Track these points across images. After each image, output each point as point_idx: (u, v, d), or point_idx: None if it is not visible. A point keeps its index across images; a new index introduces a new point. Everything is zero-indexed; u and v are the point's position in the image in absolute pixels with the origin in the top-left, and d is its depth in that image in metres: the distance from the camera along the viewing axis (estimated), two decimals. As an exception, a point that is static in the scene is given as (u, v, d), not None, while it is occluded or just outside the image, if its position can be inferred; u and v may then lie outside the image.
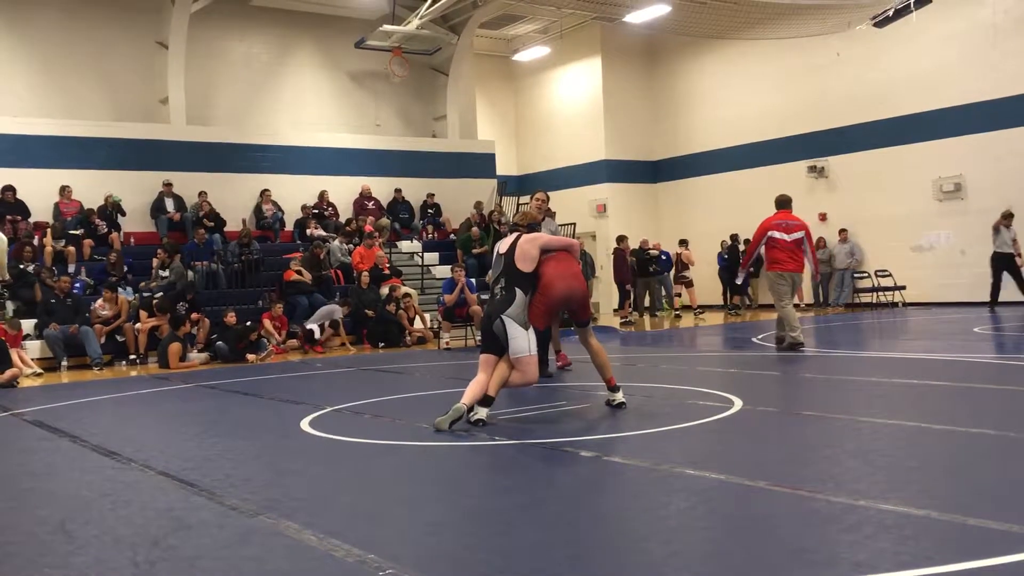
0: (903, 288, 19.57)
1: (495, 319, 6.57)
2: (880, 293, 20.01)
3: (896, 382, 8.03)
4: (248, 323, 14.14)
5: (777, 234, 11.31)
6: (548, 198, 9.65)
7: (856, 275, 20.54)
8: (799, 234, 11.35)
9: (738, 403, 6.85)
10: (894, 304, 19.74)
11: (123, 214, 17.61)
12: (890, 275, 19.76)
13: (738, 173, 23.29)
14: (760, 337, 12.99)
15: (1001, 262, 16.72)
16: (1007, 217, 16.78)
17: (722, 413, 6.50)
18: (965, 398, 7.13)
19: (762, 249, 11.48)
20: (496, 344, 6.62)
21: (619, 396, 7.00)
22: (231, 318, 14.12)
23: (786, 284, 11.25)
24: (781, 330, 11.35)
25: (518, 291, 6.62)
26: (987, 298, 16.88)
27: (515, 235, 6.86)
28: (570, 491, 4.57)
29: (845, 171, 21.26)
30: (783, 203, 11.68)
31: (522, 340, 6.54)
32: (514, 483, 4.83)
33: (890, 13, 18.29)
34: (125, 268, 16.07)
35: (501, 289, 6.69)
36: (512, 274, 6.66)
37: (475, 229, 19.83)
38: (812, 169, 21.70)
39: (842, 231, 20.77)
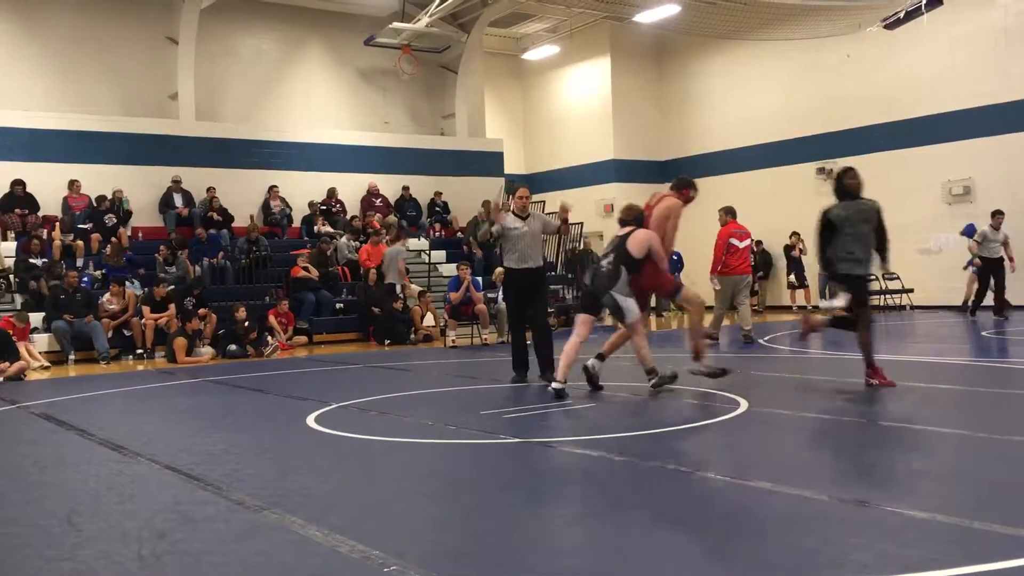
0: (911, 291, 19.51)
1: (603, 295, 7.68)
2: (887, 296, 19.96)
3: (903, 385, 8.01)
4: (247, 323, 14.13)
5: (734, 241, 12.66)
6: (529, 195, 9.25)
7: (864, 278, 20.46)
8: (748, 240, 12.99)
9: (744, 404, 6.84)
10: (901, 307, 19.70)
11: (130, 213, 17.59)
12: (898, 278, 19.68)
13: (747, 174, 23.23)
14: (766, 339, 12.97)
15: (988, 267, 15.58)
16: (996, 215, 15.60)
17: (728, 414, 6.50)
18: (972, 402, 7.12)
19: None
20: (595, 305, 7.87)
21: (591, 362, 7.90)
22: (241, 313, 14.15)
23: (729, 287, 12.63)
24: (715, 328, 12.67)
25: (623, 269, 7.66)
26: (993, 302, 15.65)
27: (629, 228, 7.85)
28: (574, 490, 4.57)
29: (854, 173, 21.17)
30: (734, 212, 13.05)
31: (633, 307, 7.67)
32: (519, 481, 4.84)
33: (901, 15, 18.22)
34: (124, 260, 16.05)
35: (608, 264, 7.73)
36: (622, 254, 7.69)
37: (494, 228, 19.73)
38: (821, 171, 21.63)
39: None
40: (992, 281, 15.49)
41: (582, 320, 8.01)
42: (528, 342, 8.99)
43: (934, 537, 3.46)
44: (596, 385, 7.90)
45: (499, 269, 9.90)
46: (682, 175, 8.98)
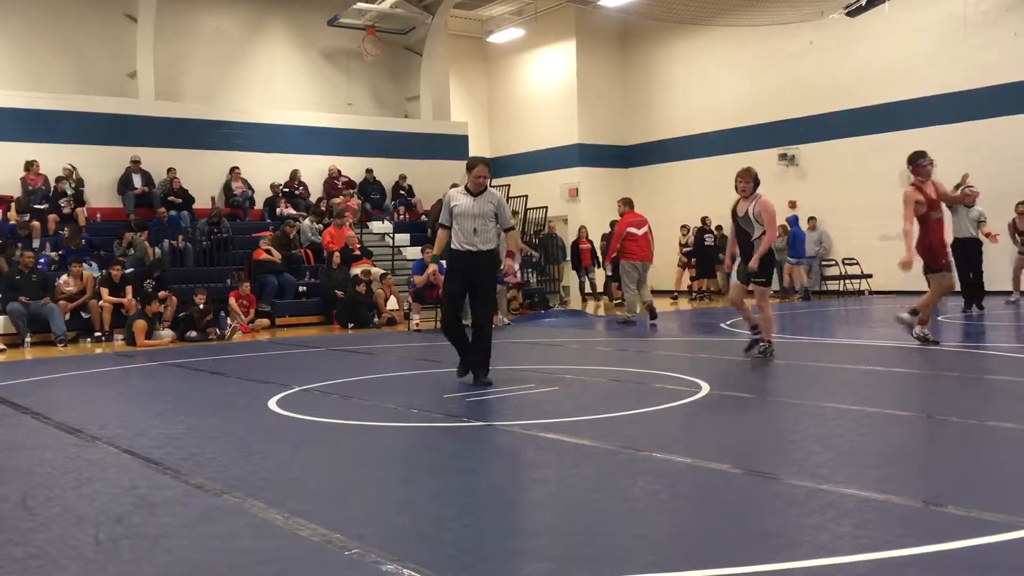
0: (870, 276, 19.77)
1: None
2: (847, 281, 20.23)
3: (860, 368, 8.13)
4: (201, 307, 13.93)
5: (632, 230, 13.76)
6: (488, 175, 7.91)
7: (824, 263, 20.73)
8: (645, 228, 13.88)
9: (705, 388, 6.90)
10: (860, 292, 19.96)
11: (81, 186, 17.25)
12: (857, 263, 19.96)
13: (709, 160, 23.36)
14: (728, 323, 13.07)
15: (962, 250, 13.29)
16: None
17: (689, 397, 6.55)
18: (928, 385, 7.23)
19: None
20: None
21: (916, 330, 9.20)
22: (200, 299, 13.98)
23: (635, 272, 13.71)
24: (630, 311, 13.95)
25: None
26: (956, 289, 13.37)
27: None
28: (536, 473, 4.58)
29: (815, 159, 21.42)
30: (631, 203, 14.31)
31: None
32: (480, 464, 4.85)
33: (863, 3, 18.41)
34: (83, 242, 15.80)
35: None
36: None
37: None
38: (783, 157, 21.83)
39: (811, 219, 20.92)
40: (970, 267, 13.53)
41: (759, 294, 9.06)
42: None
43: (890, 519, 3.51)
44: (934, 342, 9.19)
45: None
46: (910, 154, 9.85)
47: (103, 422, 6.41)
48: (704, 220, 21.42)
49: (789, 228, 19.99)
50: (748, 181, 8.72)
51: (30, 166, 16.83)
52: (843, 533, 3.31)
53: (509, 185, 22.57)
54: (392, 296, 16.29)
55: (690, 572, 2.98)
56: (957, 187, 13.50)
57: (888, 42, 19.61)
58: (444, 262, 7.93)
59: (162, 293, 14.19)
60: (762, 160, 21.98)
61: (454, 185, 9.90)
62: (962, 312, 13.41)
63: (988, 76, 18.21)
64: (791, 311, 16.58)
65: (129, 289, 14.24)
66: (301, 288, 16.62)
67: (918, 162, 9.75)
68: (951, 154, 18.70)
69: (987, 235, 13.74)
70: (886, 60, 19.73)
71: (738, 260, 9.04)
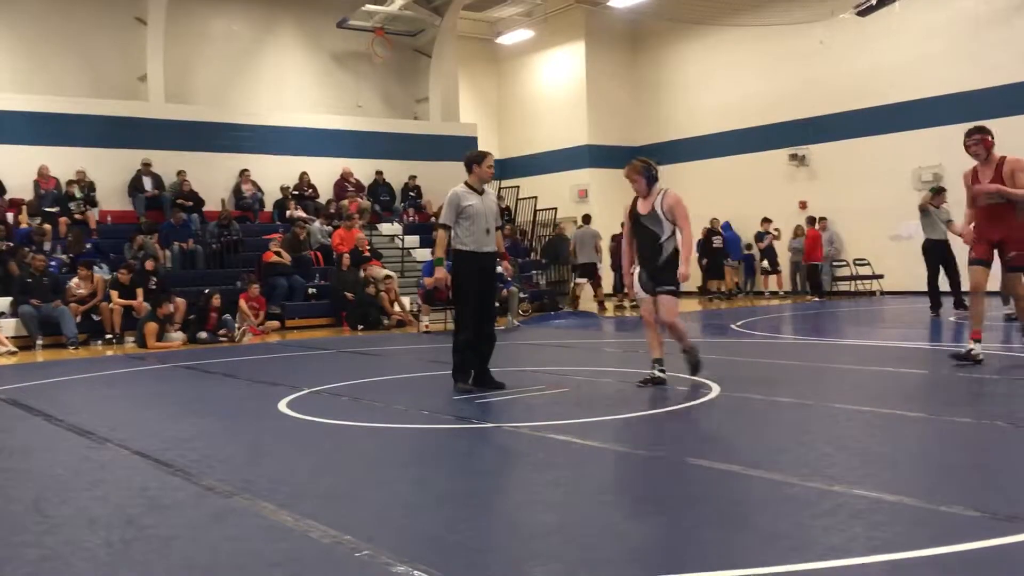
0: (881, 277, 19.70)
1: None
2: (858, 282, 20.15)
3: (872, 369, 8.09)
4: (206, 291, 13.89)
5: None
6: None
7: (835, 264, 20.67)
8: None
9: (716, 389, 6.88)
10: (872, 293, 19.89)
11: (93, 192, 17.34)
12: (868, 264, 19.89)
13: (720, 160, 23.33)
14: (739, 324, 13.04)
15: (935, 252, 13.51)
16: (938, 194, 13.49)
17: (700, 399, 6.53)
18: (939, 386, 7.20)
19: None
20: None
21: None
22: (215, 301, 14.02)
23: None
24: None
25: None
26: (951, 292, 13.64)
27: None
28: (546, 474, 4.57)
29: (826, 160, 21.34)
30: None
31: None
32: (491, 466, 4.84)
33: (873, 2, 18.36)
34: (88, 246, 15.84)
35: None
36: None
37: None
38: (793, 157, 21.77)
39: (821, 219, 20.86)
40: (943, 268, 13.53)
41: None
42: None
43: (902, 520, 3.49)
44: None
45: (438, 274, 7.64)
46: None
47: (114, 424, 6.43)
48: (712, 221, 21.36)
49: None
50: (637, 178, 7.19)
51: (42, 170, 16.91)
52: (855, 535, 3.29)
53: (519, 187, 22.57)
54: (396, 299, 16.25)
55: (701, 574, 2.97)
56: (932, 191, 13.65)
57: (899, 41, 19.53)
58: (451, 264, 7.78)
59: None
60: (773, 160, 22.02)
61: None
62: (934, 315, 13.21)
63: (1000, 75, 18.10)
64: (803, 312, 16.55)
65: (140, 292, 14.29)
66: (311, 290, 16.65)
67: (965, 141, 8.47)
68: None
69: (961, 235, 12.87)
70: (897, 59, 19.65)
71: (637, 268, 7.32)
